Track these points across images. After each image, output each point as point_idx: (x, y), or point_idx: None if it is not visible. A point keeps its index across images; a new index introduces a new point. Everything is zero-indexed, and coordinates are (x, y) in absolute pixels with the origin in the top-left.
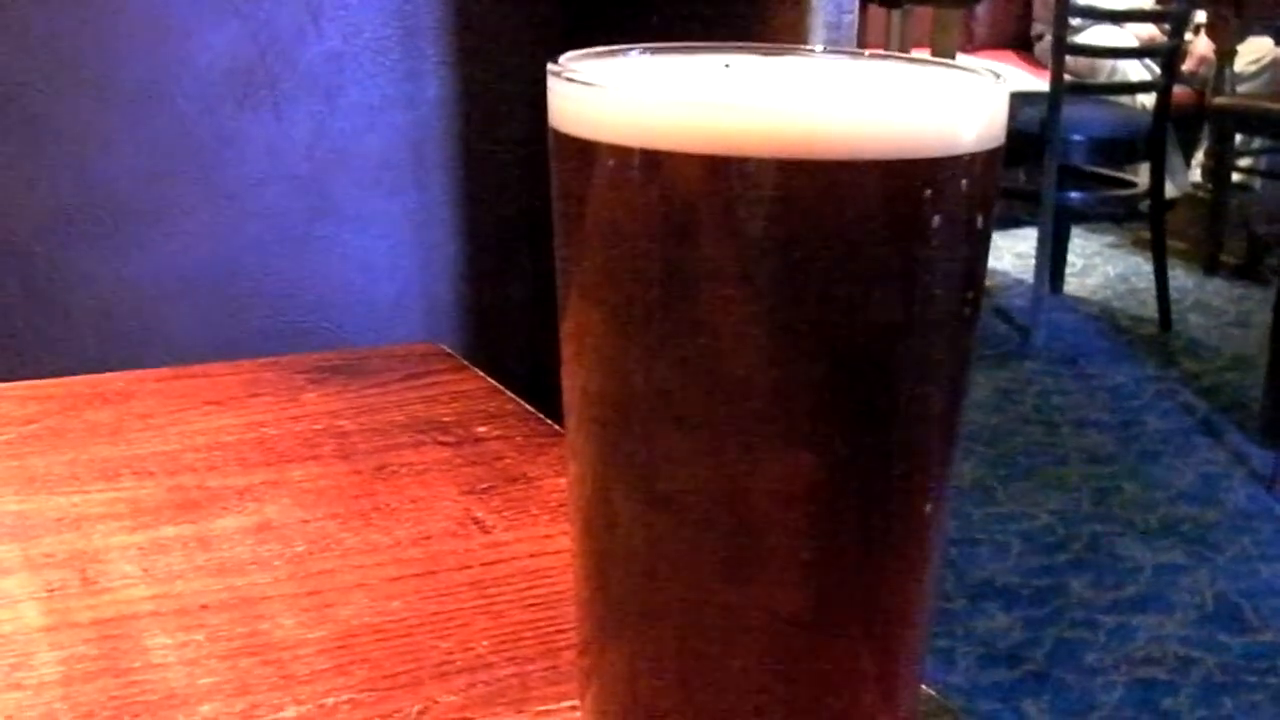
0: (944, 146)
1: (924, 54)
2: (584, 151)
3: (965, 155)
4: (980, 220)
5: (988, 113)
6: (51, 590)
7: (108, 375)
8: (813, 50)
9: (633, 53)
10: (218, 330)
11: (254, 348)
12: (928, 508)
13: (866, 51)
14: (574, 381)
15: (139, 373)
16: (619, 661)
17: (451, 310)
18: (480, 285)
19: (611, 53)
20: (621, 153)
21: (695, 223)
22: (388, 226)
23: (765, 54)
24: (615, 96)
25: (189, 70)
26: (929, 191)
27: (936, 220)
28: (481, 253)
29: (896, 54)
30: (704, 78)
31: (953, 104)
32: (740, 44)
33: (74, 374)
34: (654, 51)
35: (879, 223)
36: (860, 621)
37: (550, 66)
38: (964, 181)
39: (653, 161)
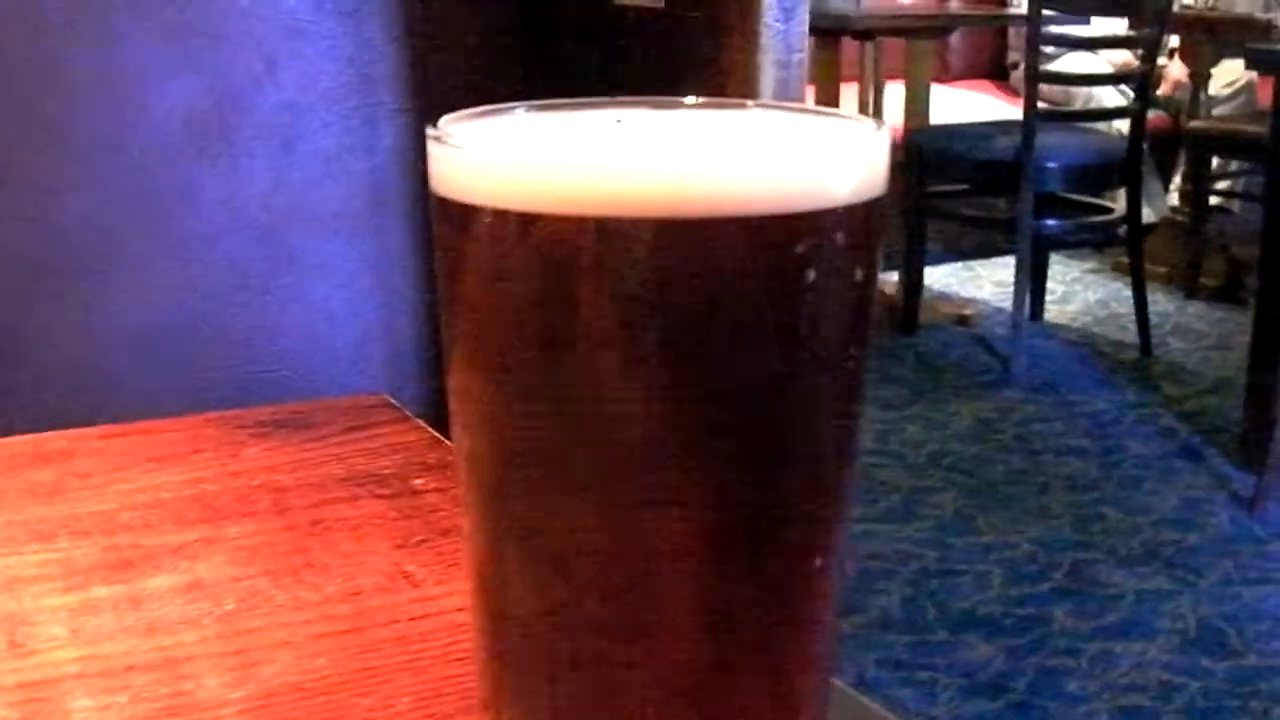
0: (815, 200)
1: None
2: (462, 214)
3: (840, 208)
4: (860, 272)
5: (864, 163)
6: None
7: (49, 434)
8: (705, 103)
9: (517, 111)
10: (179, 380)
11: (217, 397)
12: (817, 561)
13: (751, 103)
14: (463, 442)
15: (81, 430)
16: (520, 718)
17: (412, 357)
18: (440, 329)
19: (496, 111)
20: (497, 215)
21: (572, 284)
22: (347, 275)
23: (655, 108)
24: (486, 159)
25: (145, 121)
26: (801, 246)
27: (811, 274)
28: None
29: (786, 104)
30: (581, 137)
31: (824, 156)
32: (628, 99)
33: (34, 424)
34: (540, 109)
35: (752, 280)
36: (758, 673)
37: (429, 130)
38: (840, 234)
39: (527, 223)
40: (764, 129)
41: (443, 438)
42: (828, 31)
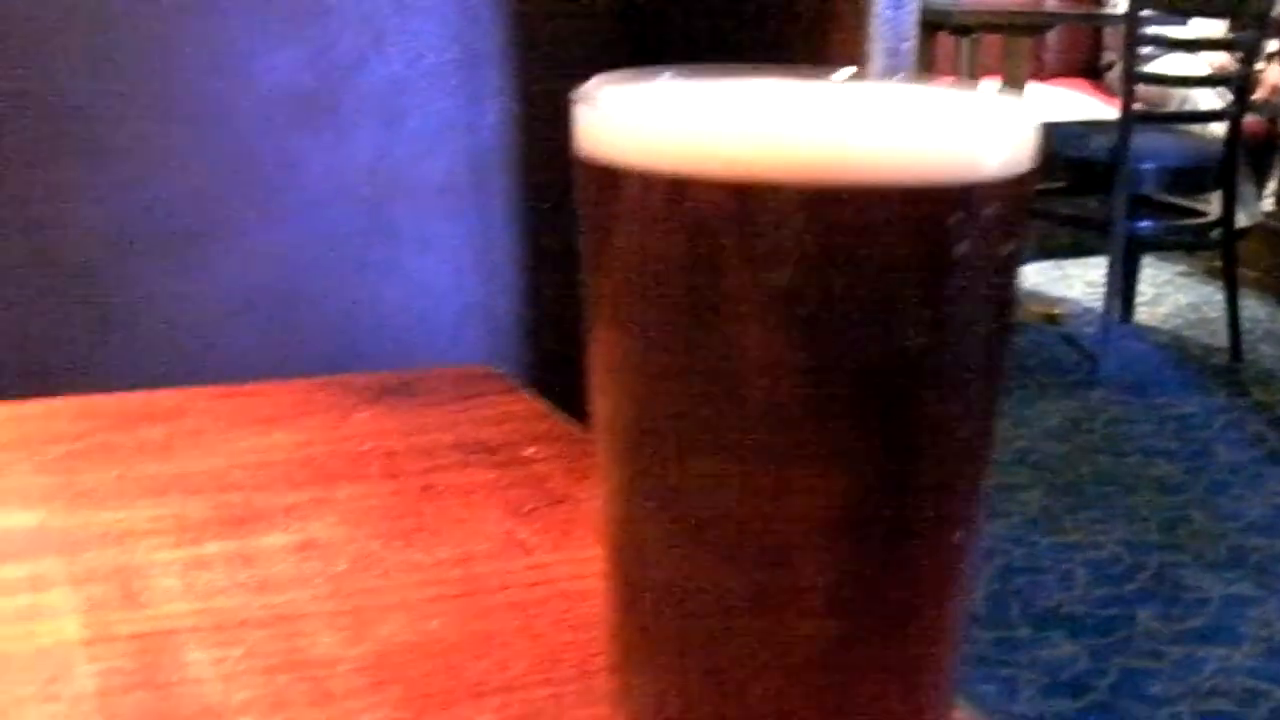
0: (968, 171)
1: (994, 82)
2: (607, 178)
3: (991, 181)
4: (1009, 247)
5: (1015, 136)
6: (93, 604)
7: (161, 392)
8: (845, 75)
9: (663, 76)
10: (277, 351)
11: (313, 369)
12: (957, 536)
13: (897, 77)
14: (602, 408)
15: (192, 390)
16: (648, 687)
17: (511, 333)
18: (540, 308)
19: (639, 76)
20: (644, 178)
21: (718, 249)
22: (448, 250)
23: (797, 78)
24: (639, 122)
25: (251, 93)
26: (952, 218)
27: (962, 248)
28: (542, 276)
29: (931, 79)
30: (731, 102)
31: (977, 127)
32: (772, 67)
33: (135, 388)
34: (683, 75)
35: (901, 251)
36: (889, 649)
37: (575, 93)
38: (991, 208)
39: (674, 187)
40: (912, 101)
41: (552, 409)
42: (925, 25)
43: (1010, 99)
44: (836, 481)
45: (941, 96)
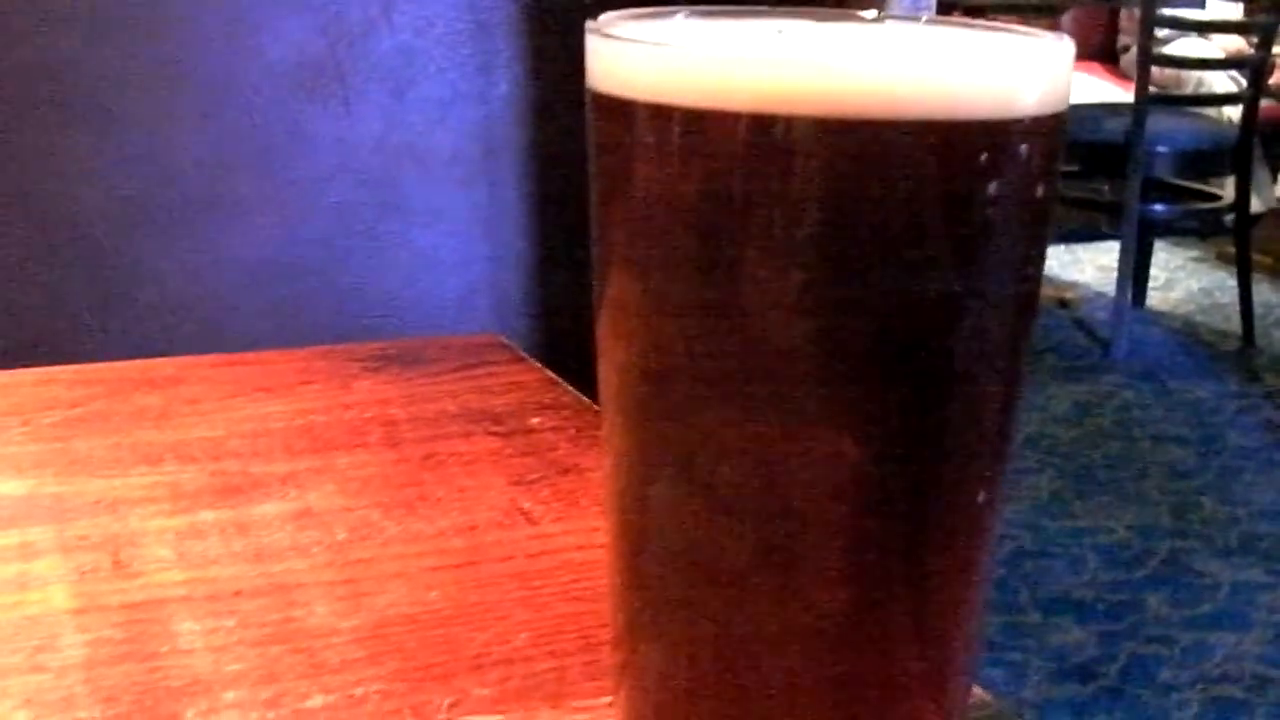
0: (1002, 108)
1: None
2: (620, 111)
3: (1026, 118)
4: (1042, 189)
5: (1049, 74)
6: (83, 573)
7: (158, 360)
8: (868, 17)
9: (677, 16)
10: (282, 324)
11: (318, 342)
12: (981, 496)
13: (924, 17)
14: (610, 357)
15: (190, 358)
16: (653, 656)
17: (519, 306)
18: (548, 281)
19: (654, 14)
20: (657, 111)
21: (738, 185)
22: (456, 222)
23: (819, 19)
24: (655, 53)
25: (259, 63)
26: (986, 155)
27: (994, 186)
28: (550, 249)
29: (962, 20)
30: (751, 38)
31: (1012, 64)
32: (792, 9)
33: (139, 359)
34: (700, 15)
35: (933, 188)
36: (908, 617)
37: (589, 24)
38: (1024, 147)
39: (694, 120)
40: (942, 38)
41: (558, 379)
42: (940, 8)
43: (1046, 37)
44: (856, 437)
45: (974, 34)
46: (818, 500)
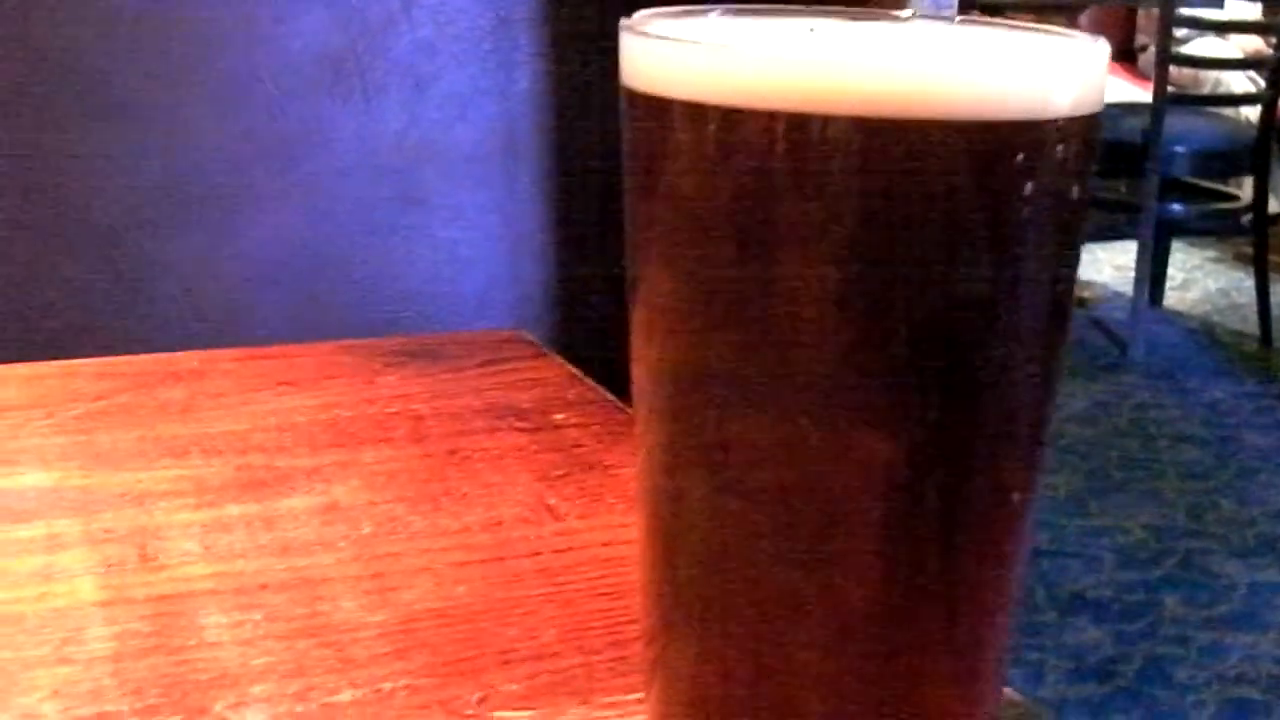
0: (1036, 109)
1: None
2: (654, 109)
3: (1060, 119)
4: (1075, 190)
5: (1084, 75)
6: (109, 565)
7: (182, 354)
8: (900, 16)
9: (711, 14)
10: (301, 319)
11: (338, 337)
12: (1015, 496)
13: (957, 17)
14: (643, 356)
15: (214, 352)
16: (685, 653)
17: (539, 302)
18: (568, 277)
19: (690, 13)
20: (698, 110)
21: (773, 184)
22: (476, 217)
23: (850, 18)
24: (692, 51)
25: (279, 57)
26: (1020, 156)
27: (1029, 187)
28: (570, 244)
29: (995, 20)
30: (785, 36)
31: (1047, 64)
32: (823, 8)
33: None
34: (734, 13)
35: (967, 188)
36: (940, 616)
37: (623, 22)
38: (1058, 147)
39: (731, 119)
40: (976, 38)
41: (581, 375)
42: (959, 7)
43: (1081, 38)
44: (891, 437)
45: (1009, 34)
46: (852, 500)
